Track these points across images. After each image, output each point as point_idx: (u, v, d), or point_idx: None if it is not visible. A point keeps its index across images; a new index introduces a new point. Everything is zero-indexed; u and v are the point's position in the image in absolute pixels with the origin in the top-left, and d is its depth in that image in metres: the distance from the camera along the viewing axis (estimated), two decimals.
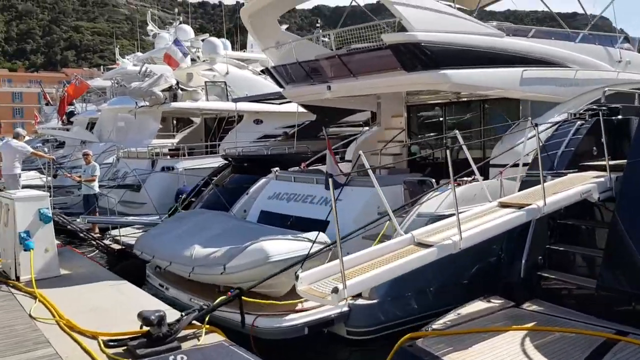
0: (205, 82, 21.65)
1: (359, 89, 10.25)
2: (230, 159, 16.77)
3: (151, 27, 31.64)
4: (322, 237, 7.92)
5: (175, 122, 27.45)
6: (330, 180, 9.32)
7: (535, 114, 10.40)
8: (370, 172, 6.71)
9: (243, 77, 21.77)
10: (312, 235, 7.87)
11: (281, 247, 7.46)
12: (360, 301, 7.62)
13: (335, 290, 4.50)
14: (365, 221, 9.02)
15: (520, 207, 5.91)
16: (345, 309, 7.57)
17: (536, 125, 6.97)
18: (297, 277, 4.88)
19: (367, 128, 14.41)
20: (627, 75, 11.85)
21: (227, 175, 16.95)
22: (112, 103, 27.16)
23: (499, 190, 9.06)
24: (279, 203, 10.44)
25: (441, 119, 12.13)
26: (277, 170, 12.12)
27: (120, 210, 19.56)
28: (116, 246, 13.80)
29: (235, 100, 17.45)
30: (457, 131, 7.53)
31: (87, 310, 6.98)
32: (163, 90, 19.87)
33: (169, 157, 20.21)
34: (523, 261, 6.83)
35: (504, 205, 6.20)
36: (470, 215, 6.04)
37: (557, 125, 8.30)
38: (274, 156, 15.16)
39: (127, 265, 10.05)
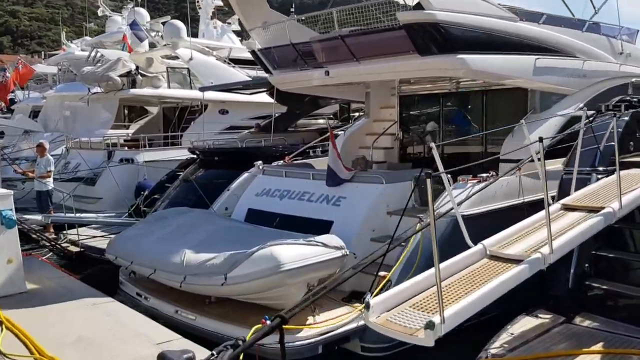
0: (167, 68, 20.16)
1: (363, 75, 9.28)
2: (199, 152, 15.48)
3: (102, 9, 29.58)
4: (336, 240, 6.93)
5: (127, 111, 25.72)
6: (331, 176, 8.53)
7: (543, 105, 9.76)
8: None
9: (208, 64, 20.37)
10: (327, 238, 6.86)
11: (293, 253, 6.42)
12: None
13: (431, 326, 3.49)
14: (374, 221, 8.14)
15: (590, 210, 5.12)
16: (361, 323, 6.65)
17: (590, 118, 6.17)
18: (366, 306, 3.85)
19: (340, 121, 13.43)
20: (629, 68, 11.38)
21: (195, 170, 15.69)
22: (60, 89, 25.20)
23: (517, 187, 8.34)
24: (270, 201, 9.36)
25: (437, 110, 11.31)
26: (261, 164, 11.04)
27: (71, 206, 18.04)
28: (74, 248, 12.38)
29: (203, 89, 16.15)
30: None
31: (73, 340, 5.66)
32: (121, 76, 18.27)
33: (126, 148, 18.65)
34: (571, 270, 6.06)
35: (568, 208, 5.40)
36: (536, 221, 5.19)
37: (592, 118, 7.58)
38: (249, 149, 14.01)
39: (96, 272, 8.73)
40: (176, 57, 21.99)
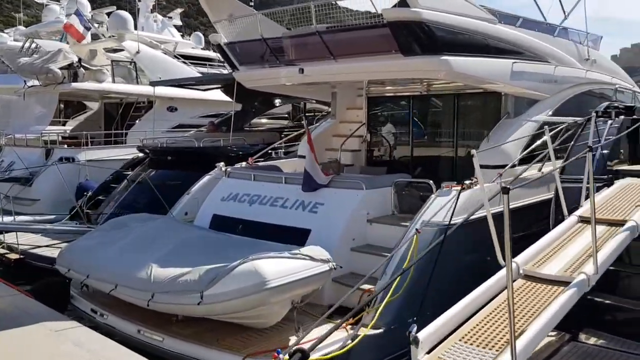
0: (112, 61, 18.95)
1: (339, 75, 8.77)
2: (150, 151, 14.55)
3: None
4: (321, 252, 6.39)
5: (62, 106, 24.16)
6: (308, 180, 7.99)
7: (516, 110, 9.58)
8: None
9: (156, 58, 19.31)
10: (312, 250, 6.31)
11: (278, 268, 5.83)
12: (361, 331, 6.22)
13: None
14: (354, 230, 7.66)
15: (611, 223, 4.83)
16: (349, 342, 6.17)
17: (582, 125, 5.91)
18: (414, 341, 3.33)
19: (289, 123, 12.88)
20: (594, 75, 11.43)
21: (143, 170, 14.75)
22: None
23: (499, 195, 8.06)
24: (238, 206, 8.70)
25: (407, 113, 10.97)
26: (224, 166, 10.36)
27: (5, 209, 16.63)
28: (13, 255, 11.27)
29: (154, 84, 15.20)
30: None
31: None
32: (61, 68, 16.98)
33: (65, 146, 17.38)
34: None
35: (585, 221, 5.09)
36: (561, 235, 4.84)
37: (582, 126, 7.39)
38: (207, 149, 13.24)
39: (43, 286, 7.81)
40: (119, 50, 20.82)
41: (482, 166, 8.72)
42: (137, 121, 19.05)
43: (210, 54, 32.71)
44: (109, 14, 21.18)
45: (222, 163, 10.65)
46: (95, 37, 20.49)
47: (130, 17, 18.58)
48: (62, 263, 7.35)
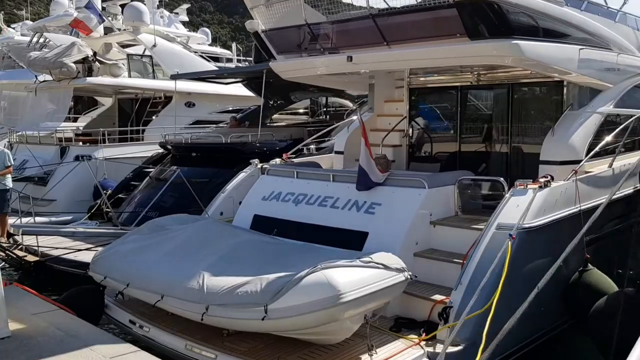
0: (128, 54, 18.24)
1: (393, 62, 8.02)
2: (173, 148, 13.86)
3: None
4: (395, 260, 5.66)
5: (72, 102, 23.47)
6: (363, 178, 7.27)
7: (580, 102, 8.84)
8: None
9: (173, 52, 18.60)
10: (385, 258, 5.58)
11: (352, 278, 5.10)
12: (439, 348, 5.51)
13: None
14: (417, 233, 6.94)
15: None
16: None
17: None
18: None
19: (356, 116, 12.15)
20: None
21: (164, 168, 14.08)
22: (2, 77, 22.75)
23: (574, 193, 7.33)
24: (282, 206, 7.98)
25: (454, 105, 10.21)
26: (259, 163, 9.67)
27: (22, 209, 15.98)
28: (32, 258, 10.59)
29: (175, 77, 14.48)
30: None
31: None
32: (76, 62, 16.27)
33: (80, 143, 16.68)
34: None
35: None
36: None
37: None
38: (235, 145, 12.50)
39: (75, 294, 7.09)
40: (131, 45, 20.11)
41: (546, 162, 8.16)
42: (154, 117, 18.37)
43: (217, 50, 32.06)
44: (122, 6, 20.46)
45: (256, 160, 9.98)
46: (108, 31, 19.76)
47: (145, 8, 17.87)
48: (97, 270, 6.63)
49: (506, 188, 6.92)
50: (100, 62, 16.71)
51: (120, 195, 14.30)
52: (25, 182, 15.64)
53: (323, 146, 12.57)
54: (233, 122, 15.94)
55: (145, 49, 19.13)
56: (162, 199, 12.38)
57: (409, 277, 5.56)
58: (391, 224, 6.83)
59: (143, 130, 17.60)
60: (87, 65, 16.55)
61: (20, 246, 10.96)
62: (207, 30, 39.84)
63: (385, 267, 5.38)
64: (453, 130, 10.26)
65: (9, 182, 11.50)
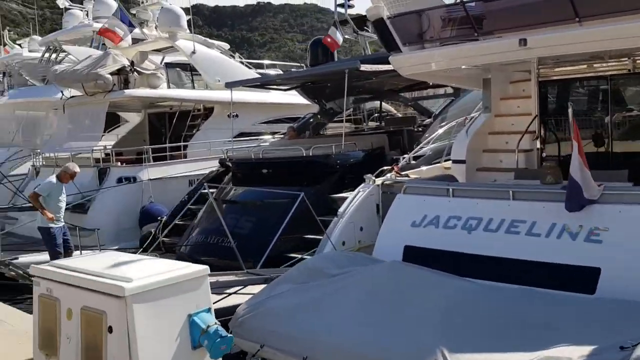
0: (166, 63, 16.52)
1: (584, 44, 6.31)
2: (236, 164, 12.12)
3: (63, 1, 25.25)
4: None
5: None
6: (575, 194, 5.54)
7: None
8: None
9: (214, 59, 16.88)
10: None
11: None
12: None
13: None
14: None
15: None
16: None
17: None
18: None
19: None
20: None
21: (229, 189, 12.32)
22: (14, 96, 20.91)
23: None
24: (446, 235, 6.23)
25: (600, 99, 8.54)
26: (374, 178, 7.97)
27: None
28: None
29: (229, 85, 12.76)
30: None
31: None
32: (111, 74, 14.52)
33: (119, 164, 14.89)
34: None
35: None
36: None
37: None
38: (318, 158, 10.74)
39: None
40: (166, 51, 18.32)
41: None
42: (194, 131, 16.62)
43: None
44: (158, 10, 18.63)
45: (369, 175, 8.28)
46: (134, 40, 18.00)
47: (183, 12, 16.15)
48: (248, 335, 4.79)
49: None
50: (139, 73, 14.96)
51: (177, 222, 12.50)
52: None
53: (419, 154, 10.86)
54: (291, 133, 14.22)
55: (162, 58, 17.30)
56: (237, 224, 10.60)
57: None
58: (634, 255, 5.09)
59: (185, 147, 15.81)
60: (123, 77, 14.80)
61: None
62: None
63: None
64: (600, 129, 8.57)
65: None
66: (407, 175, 8.77)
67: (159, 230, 12.22)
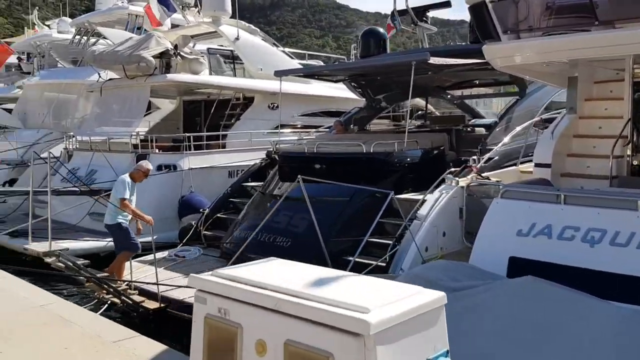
0: (208, 49, 15.89)
1: None
2: (280, 157, 11.47)
3: None
4: None
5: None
6: None
7: None
8: None
9: (257, 46, 16.22)
10: None
11: None
12: None
13: None
14: None
15: None
16: None
17: None
18: None
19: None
20: None
21: (271, 181, 11.68)
22: (45, 76, 20.39)
23: None
24: (562, 246, 5.55)
25: None
26: (456, 179, 7.30)
27: (88, 227, 13.62)
28: (151, 303, 8.21)
29: (279, 73, 12.11)
30: None
31: None
32: (154, 57, 13.90)
33: (157, 151, 14.27)
34: None
35: None
36: None
37: None
38: (378, 155, 10.03)
39: None
40: (197, 38, 17.69)
41: None
42: (233, 121, 15.99)
43: None
44: None
45: (450, 175, 7.61)
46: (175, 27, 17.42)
47: None
48: None
49: None
50: (182, 57, 14.34)
51: (219, 215, 11.89)
52: (96, 196, 13.28)
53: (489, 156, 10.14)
54: (339, 127, 13.52)
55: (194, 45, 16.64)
56: (290, 222, 9.93)
57: None
58: None
59: (224, 136, 15.19)
60: (165, 61, 14.18)
61: (128, 284, 8.59)
62: None
63: None
64: None
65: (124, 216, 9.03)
66: (487, 178, 8.12)
67: (201, 223, 11.63)
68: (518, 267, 5.70)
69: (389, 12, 14.85)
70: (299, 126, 17.01)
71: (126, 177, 8.80)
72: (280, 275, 3.01)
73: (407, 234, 7.08)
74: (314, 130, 14.85)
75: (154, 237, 10.56)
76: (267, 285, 2.68)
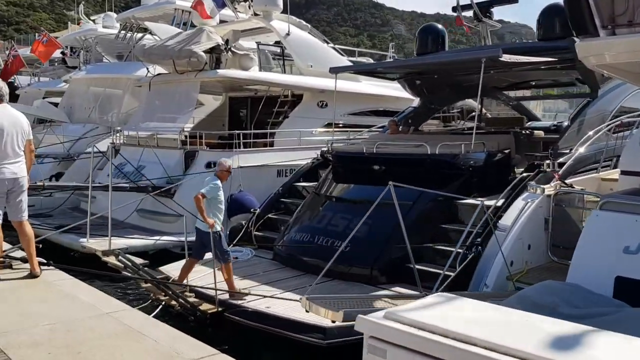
0: (258, 43, 15.55)
1: None
2: (335, 157, 11.02)
3: None
4: None
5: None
6: None
7: None
8: None
9: (308, 42, 15.80)
10: None
11: None
12: None
13: None
14: None
15: None
16: None
17: None
18: None
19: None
20: None
21: (325, 182, 11.23)
22: (94, 71, 20.33)
23: None
24: None
25: None
26: (539, 187, 6.71)
27: (135, 224, 13.39)
28: (208, 306, 7.84)
29: (334, 70, 11.65)
30: None
31: None
32: (204, 52, 13.59)
33: (206, 148, 13.97)
34: None
35: None
36: None
37: None
38: (443, 157, 9.48)
39: None
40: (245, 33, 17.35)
41: None
42: (281, 119, 15.60)
43: None
44: None
45: (533, 182, 7.03)
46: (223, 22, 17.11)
47: None
48: None
49: None
50: (233, 53, 14.00)
51: (270, 215, 11.51)
52: (143, 192, 13.05)
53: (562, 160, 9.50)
54: (393, 127, 12.98)
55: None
56: (349, 225, 9.44)
57: None
58: None
59: (272, 134, 14.80)
60: (215, 56, 13.85)
61: (186, 287, 8.24)
62: None
63: None
64: None
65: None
66: (571, 185, 7.51)
67: (252, 223, 11.26)
68: (627, 288, 5.12)
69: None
70: (340, 125, 16.56)
71: (218, 181, 8.34)
72: (484, 323, 2.35)
73: (489, 244, 6.54)
74: (367, 129, 14.33)
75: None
76: (482, 342, 1.97)
